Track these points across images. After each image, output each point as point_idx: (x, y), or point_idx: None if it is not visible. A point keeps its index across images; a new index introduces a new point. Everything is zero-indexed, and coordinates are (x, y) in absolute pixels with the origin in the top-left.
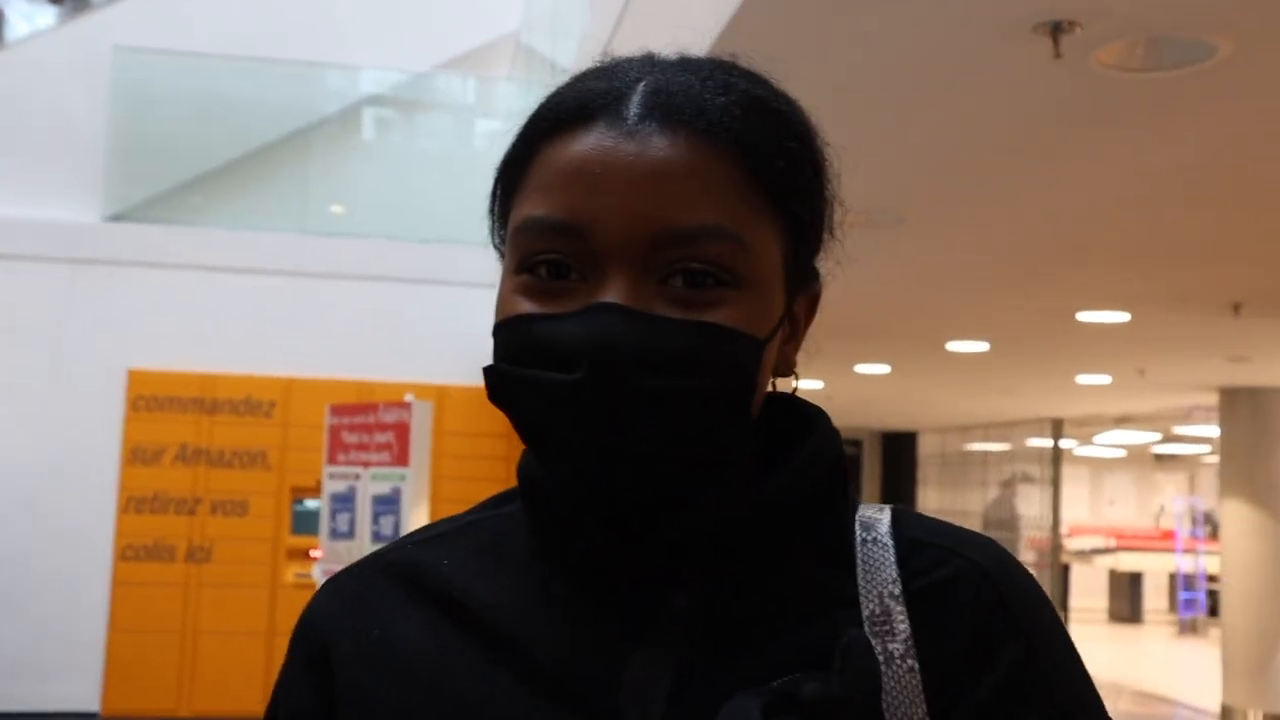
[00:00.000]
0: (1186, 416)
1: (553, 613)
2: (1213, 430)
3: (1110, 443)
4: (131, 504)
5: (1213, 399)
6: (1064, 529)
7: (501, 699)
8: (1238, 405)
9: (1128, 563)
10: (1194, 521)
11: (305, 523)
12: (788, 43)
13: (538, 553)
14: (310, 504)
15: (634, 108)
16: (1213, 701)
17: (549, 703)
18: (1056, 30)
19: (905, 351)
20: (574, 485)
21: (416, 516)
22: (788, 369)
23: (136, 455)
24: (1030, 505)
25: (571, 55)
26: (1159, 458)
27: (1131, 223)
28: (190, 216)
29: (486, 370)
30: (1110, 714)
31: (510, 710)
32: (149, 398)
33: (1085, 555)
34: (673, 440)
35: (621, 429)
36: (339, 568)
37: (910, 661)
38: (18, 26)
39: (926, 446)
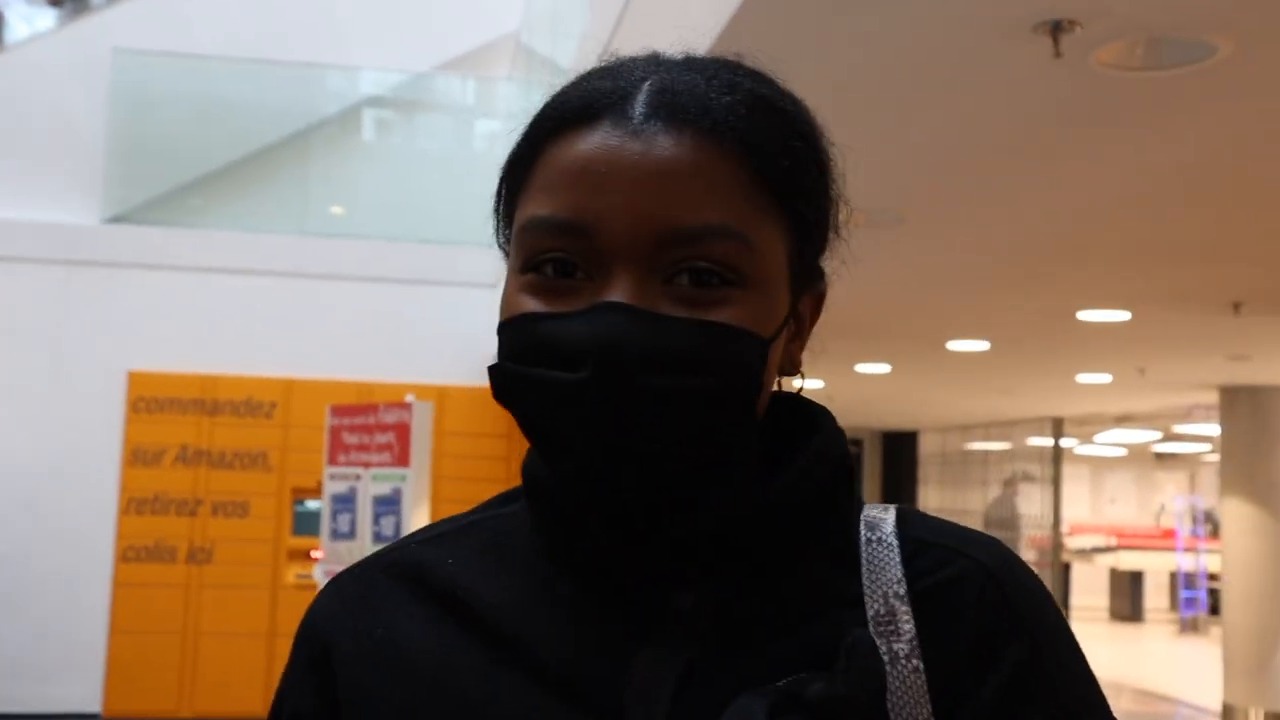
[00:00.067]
0: (1187, 415)
1: (557, 612)
2: (1213, 429)
3: (1111, 441)
4: (132, 505)
5: (1213, 398)
6: (1065, 528)
7: (505, 698)
8: (1238, 404)
9: (1128, 561)
10: (1194, 520)
11: (306, 523)
12: (788, 42)
13: (542, 552)
14: (311, 505)
15: (639, 107)
16: (1214, 700)
17: (553, 702)
18: (1056, 30)
19: (906, 351)
20: (579, 484)
21: (417, 517)
22: (793, 368)
23: (137, 456)
24: (1031, 504)
25: (571, 56)
26: (1159, 456)
27: (1132, 222)
28: (190, 218)
29: (492, 369)
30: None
31: (514, 710)
32: (149, 399)
33: (1086, 554)
34: (678, 440)
35: (627, 428)
36: (340, 568)
37: (915, 661)
38: (17, 29)
39: (927, 446)
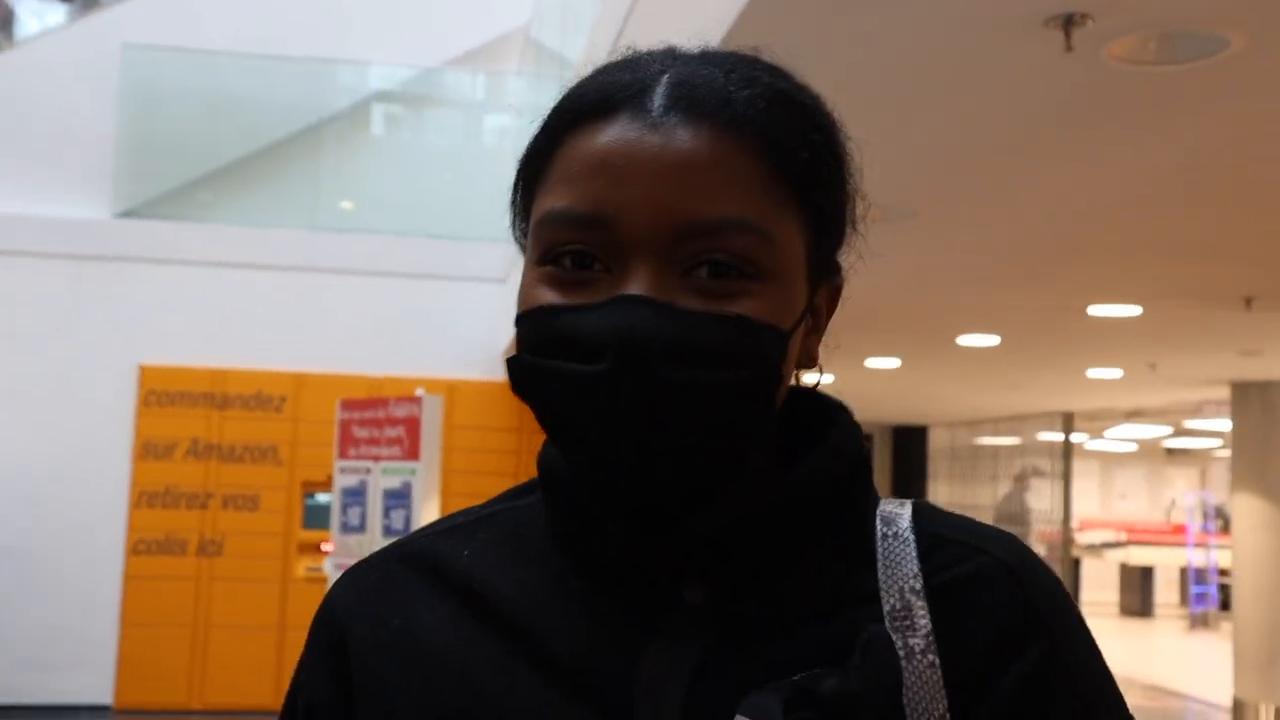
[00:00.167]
0: (1197, 410)
1: (570, 605)
2: (1224, 424)
3: (1121, 437)
4: (143, 499)
5: (1224, 393)
6: (1075, 523)
7: (519, 691)
8: (1249, 399)
9: (1139, 557)
10: (1205, 515)
11: (316, 517)
12: (798, 39)
13: (556, 545)
14: (321, 498)
15: (658, 100)
16: (1224, 695)
17: (565, 695)
18: (1068, 23)
19: (915, 345)
20: (594, 476)
21: (427, 510)
22: (810, 361)
23: (148, 450)
24: (1041, 499)
25: (581, 50)
26: (1170, 452)
27: (1143, 217)
28: (200, 213)
29: (510, 361)
30: None
31: (527, 702)
32: (160, 393)
33: (1096, 549)
34: (696, 432)
35: (645, 421)
36: (350, 562)
37: (931, 657)
38: (28, 25)
39: (937, 441)
